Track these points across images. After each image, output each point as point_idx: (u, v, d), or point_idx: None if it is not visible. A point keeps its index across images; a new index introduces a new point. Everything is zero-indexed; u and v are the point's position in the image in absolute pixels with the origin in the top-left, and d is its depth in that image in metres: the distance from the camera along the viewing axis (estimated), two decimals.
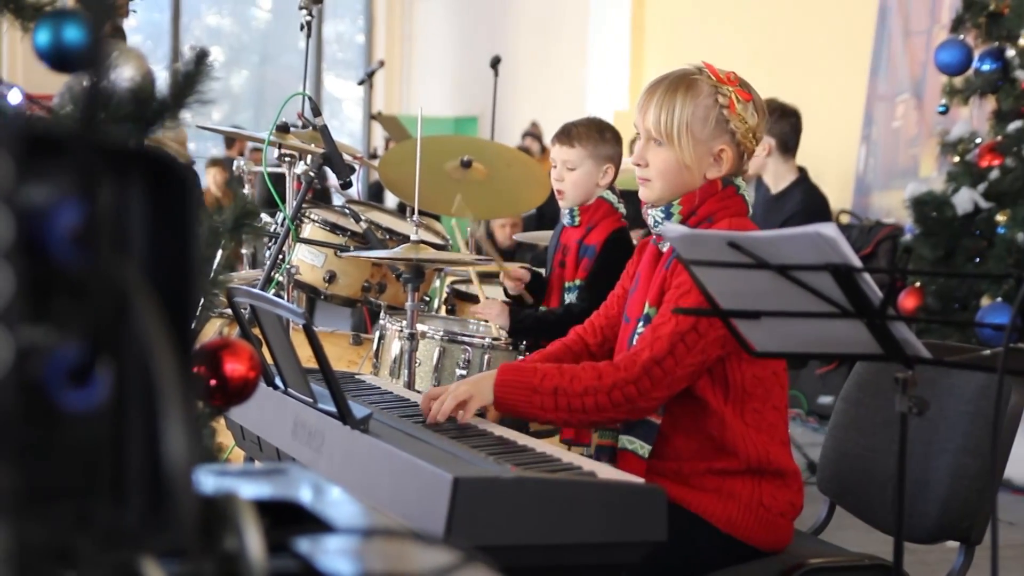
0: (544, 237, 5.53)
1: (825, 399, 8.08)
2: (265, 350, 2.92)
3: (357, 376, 3.56)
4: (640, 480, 2.50)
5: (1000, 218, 6.51)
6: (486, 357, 4.18)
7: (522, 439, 2.79)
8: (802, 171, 6.79)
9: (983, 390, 2.93)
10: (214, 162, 11.93)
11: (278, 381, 2.97)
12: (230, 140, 13.38)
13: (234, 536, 1.02)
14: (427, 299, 5.18)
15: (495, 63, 8.22)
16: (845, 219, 9.31)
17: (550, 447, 2.72)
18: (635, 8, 13.02)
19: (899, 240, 7.80)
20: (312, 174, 4.64)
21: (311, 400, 2.78)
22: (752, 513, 2.90)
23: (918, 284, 6.69)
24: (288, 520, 1.21)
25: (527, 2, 15.14)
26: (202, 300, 2.32)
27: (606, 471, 2.55)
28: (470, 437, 2.76)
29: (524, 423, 3.90)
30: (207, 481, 1.26)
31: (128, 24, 6.55)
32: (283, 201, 4.75)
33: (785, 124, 6.51)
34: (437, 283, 5.26)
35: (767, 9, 11.09)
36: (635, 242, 4.49)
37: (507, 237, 9.78)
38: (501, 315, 4.26)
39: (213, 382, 1.97)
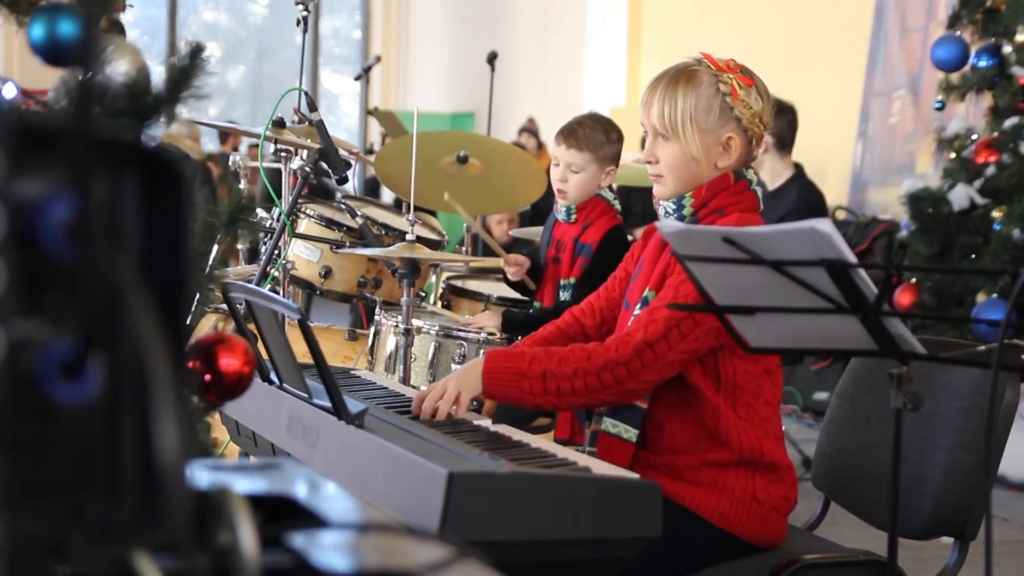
0: (539, 233, 5.53)
1: (820, 395, 8.09)
2: (260, 345, 2.92)
3: (352, 371, 3.56)
4: (635, 476, 2.50)
5: (996, 214, 6.52)
6: (481, 352, 4.17)
7: (517, 435, 2.79)
8: (798, 167, 6.80)
9: (978, 386, 2.93)
10: (209, 157, 11.92)
11: (273, 376, 2.96)
12: (224, 135, 13.38)
13: (227, 531, 1.02)
14: (423, 295, 5.18)
15: (492, 59, 8.22)
16: (841, 215, 9.32)
17: (545, 443, 2.72)
18: (632, 4, 13.02)
19: (895, 236, 7.81)
20: (309, 169, 4.64)
21: (306, 395, 2.78)
22: (746, 507, 2.90)
23: (914, 280, 6.69)
24: (282, 515, 1.21)
25: None
26: (197, 295, 2.32)
27: (601, 467, 2.55)
28: (465, 432, 2.76)
29: (525, 419, 3.90)
30: (201, 476, 1.26)
31: (125, 19, 6.55)
32: (279, 196, 4.75)
33: (781, 121, 6.52)
34: (433, 279, 5.26)
35: (764, 5, 11.09)
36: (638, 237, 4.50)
37: (503, 233, 9.77)
38: (492, 318, 4.27)
39: (208, 377, 1.96)
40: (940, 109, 6.97)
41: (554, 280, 4.46)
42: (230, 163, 5.63)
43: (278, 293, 4.58)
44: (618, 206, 4.46)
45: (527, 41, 14.74)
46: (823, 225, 2.11)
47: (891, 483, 2.37)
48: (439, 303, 5.08)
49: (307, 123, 4.70)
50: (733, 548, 2.91)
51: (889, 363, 2.33)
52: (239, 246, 5.48)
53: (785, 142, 6.68)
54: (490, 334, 4.23)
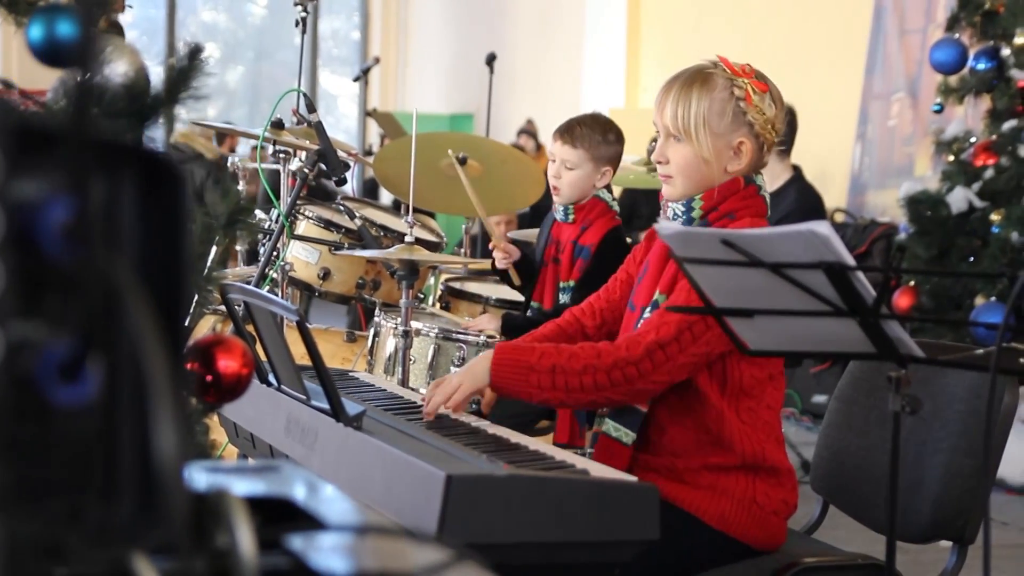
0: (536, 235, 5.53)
1: (819, 398, 8.09)
2: (259, 347, 2.92)
3: (351, 373, 3.56)
4: (633, 478, 2.50)
5: (994, 217, 6.52)
6: (480, 354, 4.18)
7: (515, 437, 2.79)
8: (796, 170, 6.80)
9: (976, 389, 2.93)
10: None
11: (271, 378, 2.96)
12: (221, 136, 13.37)
13: (226, 533, 1.02)
14: (422, 296, 5.18)
15: (491, 60, 8.22)
16: (840, 218, 9.32)
17: (543, 445, 2.72)
18: (631, 6, 13.02)
19: (894, 239, 7.81)
20: (307, 171, 4.64)
21: (304, 397, 2.78)
22: (745, 510, 2.90)
23: (912, 283, 6.69)
24: (280, 517, 1.21)
25: None
26: (196, 296, 2.32)
27: (599, 469, 2.55)
28: (463, 435, 2.76)
29: (526, 422, 3.90)
30: (199, 478, 1.25)
31: (124, 19, 6.55)
32: (278, 198, 4.75)
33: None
34: (432, 280, 5.26)
35: (763, 7, 11.09)
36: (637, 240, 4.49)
37: (501, 234, 9.76)
38: (491, 321, 4.27)
39: (206, 378, 1.96)
40: (939, 112, 6.97)
41: (553, 281, 4.46)
42: (228, 164, 5.63)
43: (277, 295, 4.58)
44: (617, 207, 4.46)
45: (526, 42, 14.74)
46: (821, 228, 2.11)
47: (889, 486, 2.37)
48: (438, 305, 5.08)
49: (306, 124, 4.69)
50: (732, 551, 2.91)
51: (888, 366, 2.32)
52: (238, 247, 5.47)
53: (786, 144, 6.69)
54: (489, 337, 4.23)
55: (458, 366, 4.15)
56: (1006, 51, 6.61)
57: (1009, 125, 6.62)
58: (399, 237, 4.55)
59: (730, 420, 2.89)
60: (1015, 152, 6.58)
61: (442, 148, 5.11)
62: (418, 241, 4.11)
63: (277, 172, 4.89)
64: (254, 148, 4.73)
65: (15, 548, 0.87)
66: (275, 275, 4.67)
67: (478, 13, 16.09)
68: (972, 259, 6.62)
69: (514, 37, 14.87)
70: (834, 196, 9.34)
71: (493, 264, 4.60)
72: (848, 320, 2.24)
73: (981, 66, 6.59)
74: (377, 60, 12.27)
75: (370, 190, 12.36)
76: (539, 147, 12.67)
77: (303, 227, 4.90)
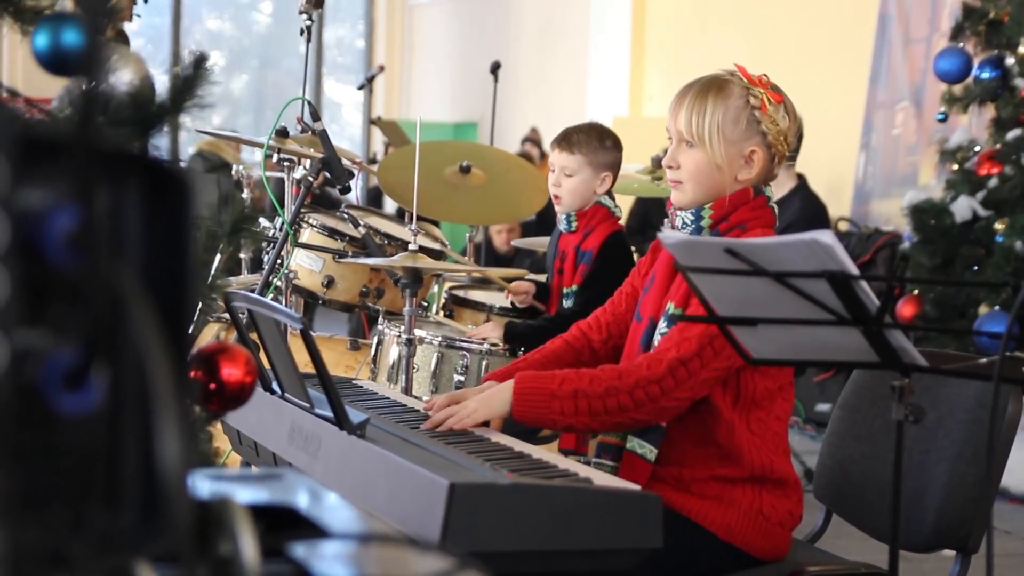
0: (543, 243, 5.54)
1: (823, 406, 8.08)
2: (262, 355, 2.92)
3: (354, 381, 3.56)
4: (636, 487, 2.50)
5: (998, 226, 6.52)
6: (484, 363, 4.19)
7: (519, 445, 2.78)
8: (801, 178, 6.80)
9: (980, 399, 2.93)
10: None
11: (275, 386, 2.96)
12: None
13: (229, 541, 1.02)
14: (425, 304, 5.18)
15: (495, 68, 8.23)
16: (844, 226, 9.32)
17: (547, 453, 2.72)
18: (635, 15, 13.02)
19: (898, 248, 7.81)
20: (312, 179, 4.64)
21: (308, 405, 2.78)
22: (751, 521, 2.89)
23: (916, 292, 6.69)
24: (284, 525, 1.21)
25: (527, 8, 15.15)
26: (199, 304, 2.32)
27: (602, 478, 2.55)
28: (467, 443, 2.76)
29: (530, 430, 3.89)
30: (202, 485, 1.26)
31: (129, 27, 6.56)
32: (282, 206, 4.76)
33: None
34: (435, 288, 5.26)
35: (767, 17, 11.09)
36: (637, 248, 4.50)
37: (504, 242, 9.78)
38: (494, 330, 4.27)
39: (210, 386, 1.96)
40: (943, 121, 6.97)
41: (559, 290, 4.48)
42: (234, 172, 5.63)
43: (280, 303, 4.58)
44: (620, 214, 4.47)
45: (530, 51, 14.74)
46: (825, 237, 2.11)
47: (892, 495, 2.37)
48: (441, 313, 5.09)
49: (310, 132, 4.70)
50: (737, 561, 2.91)
51: (891, 375, 2.32)
52: (242, 255, 5.48)
53: (792, 153, 6.68)
54: (493, 345, 4.23)
55: (461, 374, 4.15)
56: (1010, 60, 6.61)
57: (1013, 134, 6.62)
58: (403, 245, 4.56)
59: (740, 432, 2.89)
60: (1019, 161, 6.58)
61: (446, 157, 5.12)
62: (422, 249, 4.11)
63: (281, 180, 4.90)
64: (268, 157, 4.73)
65: (19, 556, 0.87)
66: (279, 283, 4.67)
67: (482, 22, 16.10)
68: (976, 268, 6.62)
69: (518, 45, 14.88)
70: (838, 205, 9.33)
71: (514, 305, 4.63)
72: (851, 329, 2.24)
73: (985, 75, 6.59)
74: (382, 68, 12.28)
75: (374, 198, 12.36)
76: (543, 155, 12.67)
77: (307, 235, 4.90)
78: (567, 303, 4.39)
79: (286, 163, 4.79)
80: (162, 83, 2.15)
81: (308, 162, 4.67)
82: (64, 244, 0.90)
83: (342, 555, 1.17)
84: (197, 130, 4.74)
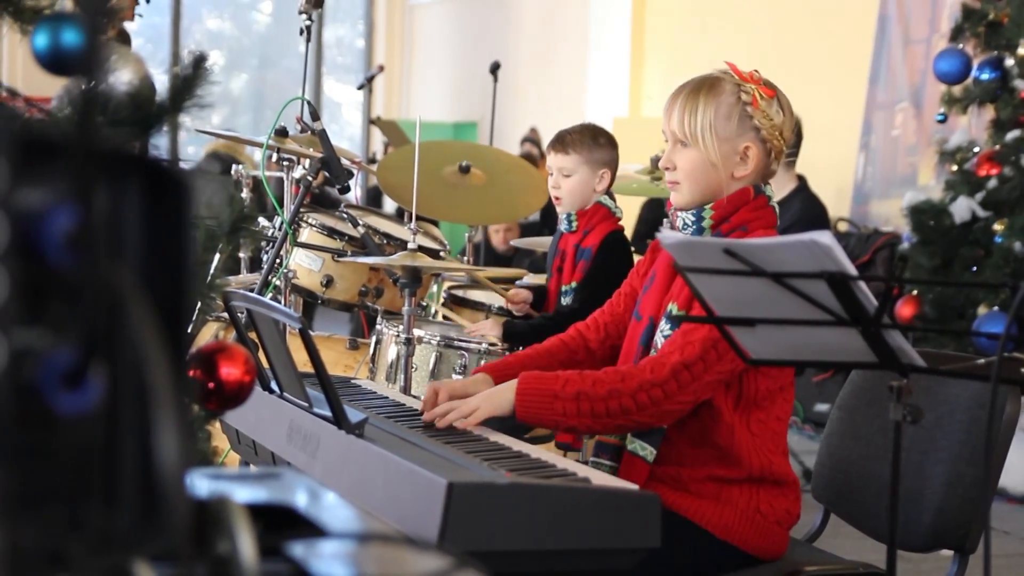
0: (542, 243, 5.54)
1: (821, 407, 8.08)
2: (261, 354, 2.92)
3: (353, 381, 3.56)
4: (634, 487, 2.50)
5: (998, 227, 6.52)
6: (482, 362, 4.18)
7: (517, 445, 2.79)
8: (801, 179, 6.80)
9: (978, 399, 2.93)
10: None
11: (274, 385, 2.97)
12: None
13: (227, 540, 1.02)
14: (424, 304, 5.18)
15: (495, 69, 8.23)
16: (843, 227, 9.32)
17: (545, 453, 2.72)
18: (635, 16, 13.02)
19: (897, 248, 7.81)
20: (311, 178, 4.64)
21: (307, 404, 2.78)
22: (749, 520, 2.90)
23: (915, 292, 6.69)
24: (282, 524, 1.22)
25: (527, 8, 15.15)
26: (198, 304, 2.32)
27: (600, 477, 2.55)
28: (465, 442, 2.76)
29: (521, 426, 3.90)
30: (201, 485, 1.26)
31: (129, 27, 6.56)
32: (281, 205, 4.76)
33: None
34: (434, 288, 5.27)
35: (767, 18, 11.09)
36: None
37: (502, 242, 9.77)
38: (493, 328, 4.27)
39: (209, 386, 1.97)
40: (942, 122, 6.98)
41: (557, 289, 4.49)
42: (233, 172, 5.63)
43: (279, 302, 4.58)
44: (620, 214, 4.48)
45: (530, 51, 14.74)
46: (823, 237, 2.11)
47: (890, 495, 2.37)
48: (440, 313, 5.09)
49: (310, 132, 4.70)
50: (735, 560, 2.91)
51: (889, 376, 2.33)
52: (241, 255, 5.48)
53: (792, 154, 6.69)
54: (491, 344, 4.24)
55: (460, 374, 4.15)
56: (1010, 61, 6.61)
57: (1013, 135, 6.62)
58: (402, 245, 4.56)
59: (741, 434, 2.89)
60: (1018, 162, 6.58)
61: (446, 156, 5.12)
62: (421, 249, 4.12)
63: (281, 180, 4.90)
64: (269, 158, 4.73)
65: (17, 555, 0.88)
66: (278, 282, 4.68)
67: (482, 22, 16.10)
68: (975, 269, 6.62)
69: (518, 46, 14.87)
70: (837, 205, 9.33)
71: (511, 314, 4.65)
72: (850, 329, 2.25)
73: (985, 76, 6.60)
74: (381, 68, 12.29)
75: (373, 198, 12.35)
76: (542, 156, 12.67)
77: (306, 235, 4.90)
78: (565, 300, 4.40)
79: (285, 163, 4.79)
80: (162, 83, 2.15)
81: (307, 162, 4.68)
82: (63, 244, 0.91)
83: (340, 554, 1.18)
84: (196, 130, 4.73)
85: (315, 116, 4.63)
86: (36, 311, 0.90)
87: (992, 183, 6.63)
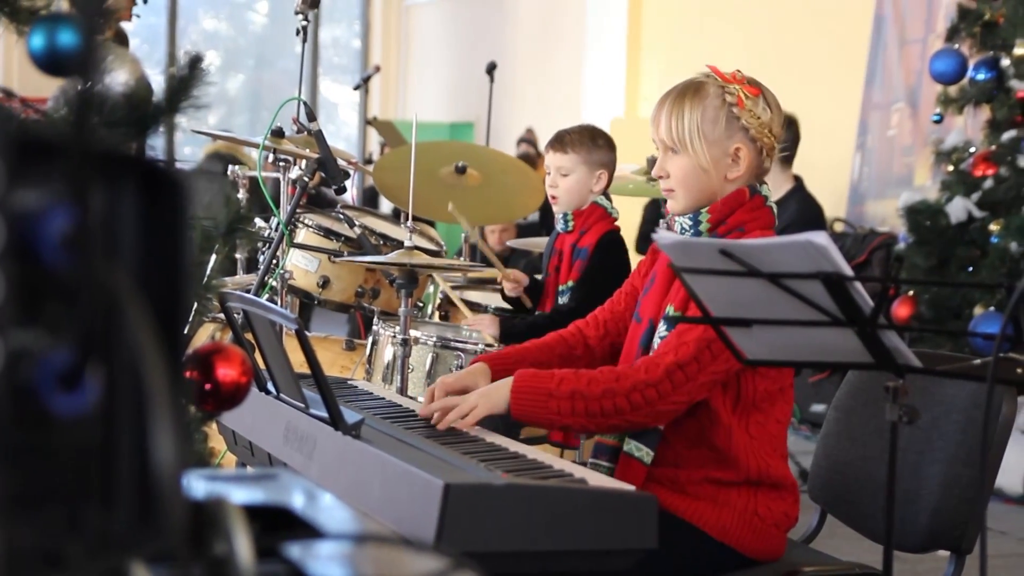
0: (537, 243, 5.54)
1: (818, 407, 8.09)
2: (258, 355, 2.92)
3: (350, 382, 3.57)
4: (631, 488, 2.50)
5: (993, 227, 6.53)
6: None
7: (513, 446, 2.79)
8: (798, 180, 6.81)
9: (975, 399, 2.93)
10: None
11: (270, 386, 2.97)
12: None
13: (223, 541, 1.02)
14: (420, 305, 5.18)
15: (491, 69, 8.24)
16: (839, 227, 9.32)
17: (541, 454, 2.72)
18: (631, 16, 13.03)
19: (893, 248, 7.81)
20: (307, 179, 4.64)
21: (303, 405, 2.78)
22: (746, 522, 2.90)
23: (911, 293, 6.70)
24: (278, 525, 1.22)
25: (523, 8, 15.15)
26: (195, 305, 2.32)
27: (597, 478, 2.56)
28: (461, 443, 2.76)
29: (513, 427, 3.90)
30: (197, 486, 1.26)
31: (126, 27, 6.56)
32: (277, 206, 4.76)
33: (787, 133, 6.51)
34: (431, 289, 5.27)
35: (763, 18, 11.10)
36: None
37: (498, 242, 9.77)
38: (492, 325, 4.27)
39: (205, 387, 1.97)
40: (938, 122, 6.98)
41: (555, 289, 4.49)
42: (229, 173, 5.63)
43: (276, 303, 4.58)
44: (616, 214, 4.49)
45: (526, 52, 14.74)
46: (819, 238, 2.11)
47: (887, 496, 2.37)
48: (436, 314, 5.09)
49: (306, 133, 4.70)
50: (732, 562, 2.91)
51: (885, 376, 2.33)
52: (237, 255, 5.48)
53: (788, 155, 6.70)
54: (488, 345, 4.24)
55: None
56: (1006, 61, 6.61)
57: (1008, 135, 6.62)
58: (399, 245, 4.56)
59: (738, 437, 2.89)
60: (1014, 162, 6.59)
61: (442, 157, 5.12)
62: (417, 249, 4.12)
63: (277, 180, 4.90)
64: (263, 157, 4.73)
65: (14, 556, 0.88)
66: (274, 283, 4.67)
67: (479, 22, 16.10)
68: (971, 269, 6.62)
69: (514, 46, 14.88)
70: (833, 206, 9.33)
71: (503, 293, 4.64)
72: (846, 330, 2.25)
73: (981, 76, 6.60)
74: (378, 68, 12.27)
75: (370, 199, 12.35)
76: (539, 155, 12.67)
77: (303, 235, 4.90)
78: (562, 299, 4.41)
79: (282, 163, 4.79)
80: (158, 83, 2.15)
81: (304, 162, 4.67)
82: (59, 244, 0.91)
83: (337, 555, 1.18)
84: (192, 130, 4.73)
85: (311, 116, 4.63)
86: (32, 312, 0.90)
87: (988, 183, 6.64)
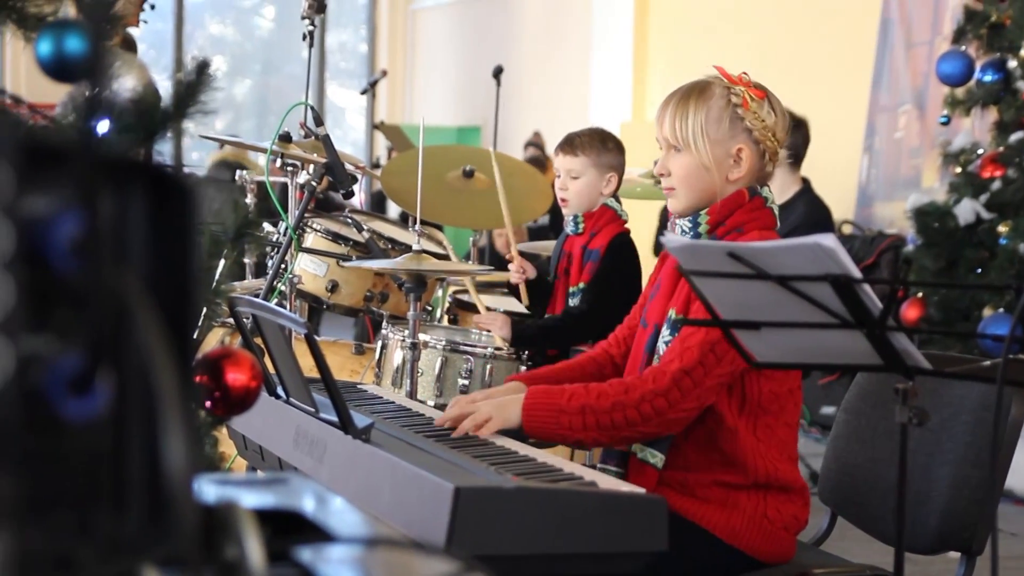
0: (545, 247, 5.54)
1: (827, 409, 8.07)
2: (267, 359, 2.93)
3: (359, 386, 3.57)
4: (641, 490, 2.50)
5: (1002, 229, 6.52)
6: (488, 367, 4.19)
7: (523, 449, 2.79)
8: (806, 182, 6.80)
9: (984, 401, 2.93)
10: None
11: (280, 390, 2.97)
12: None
13: (235, 545, 1.02)
14: (429, 309, 5.18)
15: (497, 73, 8.23)
16: (847, 229, 9.31)
17: (551, 457, 2.72)
18: (637, 19, 13.02)
19: (901, 250, 7.80)
20: (315, 183, 4.64)
21: (313, 409, 2.79)
22: (755, 525, 2.90)
23: (920, 295, 6.69)
24: (289, 529, 1.22)
25: (530, 12, 15.15)
26: (204, 310, 2.33)
27: (607, 481, 2.55)
28: (471, 447, 2.76)
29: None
30: (208, 490, 1.26)
31: (133, 32, 6.57)
32: (285, 210, 4.76)
33: (797, 136, 6.51)
34: (439, 293, 5.27)
35: (769, 21, 11.09)
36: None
37: (504, 246, 9.77)
38: (504, 326, 4.27)
39: (215, 391, 1.97)
40: (946, 124, 6.97)
41: (564, 293, 4.49)
42: (237, 178, 5.63)
43: (285, 307, 4.58)
44: (626, 216, 4.49)
45: (533, 55, 14.74)
46: (827, 240, 2.11)
47: (897, 497, 2.37)
48: (446, 318, 5.09)
49: (313, 137, 4.70)
50: (741, 564, 2.91)
51: (895, 378, 2.33)
52: (246, 260, 5.48)
53: (798, 157, 6.70)
54: (496, 348, 4.24)
55: (465, 379, 4.15)
56: (1013, 63, 6.60)
57: (1016, 137, 6.61)
58: (407, 249, 4.56)
59: (745, 440, 2.89)
60: (1022, 164, 6.58)
61: (449, 161, 5.12)
62: (425, 253, 4.12)
63: (285, 185, 4.90)
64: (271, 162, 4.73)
65: (25, 560, 0.88)
66: (283, 288, 4.68)
67: (485, 26, 16.11)
68: (980, 271, 6.61)
69: (521, 50, 14.88)
70: (841, 208, 9.32)
71: (507, 284, 4.64)
72: (855, 332, 2.25)
73: (988, 78, 6.59)
74: (384, 73, 12.30)
75: (378, 203, 12.36)
76: (546, 159, 12.67)
77: (311, 240, 4.91)
78: (573, 302, 4.40)
79: (289, 168, 4.79)
80: (165, 89, 2.16)
81: (311, 167, 4.68)
82: (68, 250, 0.91)
83: (348, 559, 1.18)
84: (200, 136, 4.73)
85: (319, 121, 4.63)
86: (42, 318, 0.90)
87: (996, 185, 6.62)
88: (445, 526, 2.20)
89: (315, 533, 1.21)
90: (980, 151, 6.79)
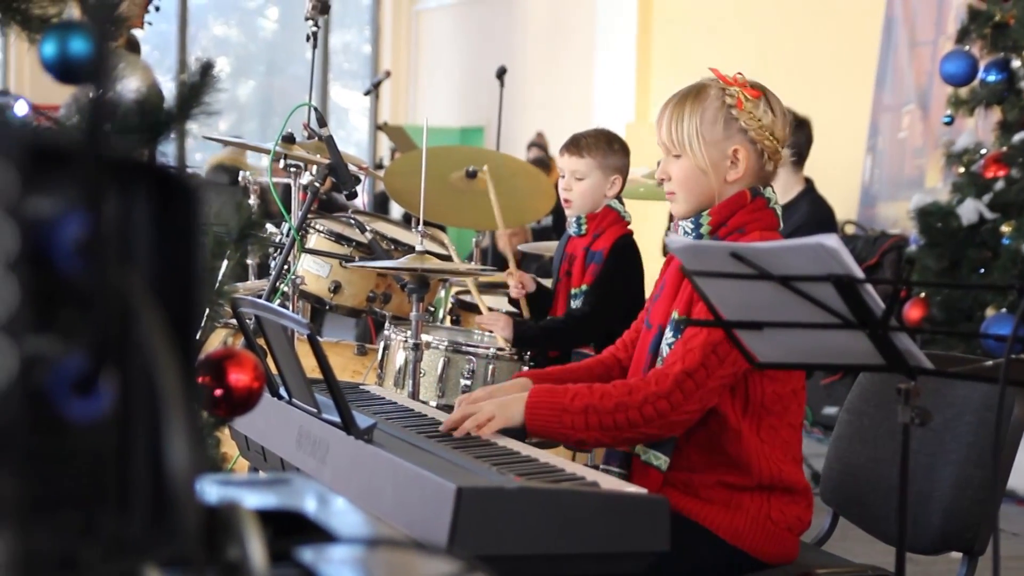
0: (548, 247, 5.54)
1: (830, 410, 8.07)
2: (270, 360, 2.93)
3: (361, 386, 3.57)
4: (643, 490, 2.50)
5: (1005, 229, 6.51)
6: (490, 367, 4.19)
7: (526, 449, 2.79)
8: (808, 182, 6.80)
9: (987, 401, 2.93)
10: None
11: (283, 391, 2.97)
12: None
13: (237, 546, 1.03)
14: (432, 309, 5.18)
15: (501, 73, 8.23)
16: (851, 229, 9.31)
17: (553, 457, 2.72)
18: (641, 20, 13.02)
19: (904, 251, 7.80)
20: (318, 184, 4.65)
21: (315, 410, 2.79)
22: (759, 526, 2.90)
23: (923, 295, 6.69)
24: (292, 530, 1.22)
25: (533, 13, 15.15)
26: (207, 310, 2.33)
27: (609, 481, 2.56)
28: (474, 447, 2.77)
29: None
30: (211, 491, 1.26)
31: (137, 33, 6.57)
32: (288, 211, 4.76)
33: (800, 135, 6.52)
34: (442, 293, 5.27)
35: (773, 21, 11.09)
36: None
37: (505, 246, 9.75)
38: (506, 327, 4.27)
39: (218, 392, 1.97)
40: (949, 124, 6.97)
41: (566, 294, 4.49)
42: (240, 179, 5.64)
43: (287, 308, 4.59)
44: (629, 218, 4.49)
45: (536, 56, 14.74)
46: (830, 241, 2.11)
47: (899, 497, 2.37)
48: (448, 318, 5.09)
49: (317, 138, 4.71)
50: (744, 565, 2.91)
51: (897, 378, 2.33)
52: (249, 261, 5.48)
53: (801, 157, 6.70)
54: (499, 349, 4.24)
55: (468, 379, 4.15)
56: (1016, 63, 6.60)
57: (1019, 137, 6.61)
58: (410, 250, 4.56)
59: (748, 441, 2.89)
60: None
61: (453, 162, 5.12)
62: (428, 254, 4.12)
63: (288, 186, 4.90)
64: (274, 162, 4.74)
65: (28, 560, 0.88)
66: (286, 288, 4.68)
67: (489, 26, 16.11)
68: (983, 271, 6.61)
69: (524, 50, 14.88)
70: (844, 208, 9.32)
71: (509, 298, 4.65)
72: (857, 332, 2.25)
73: (991, 78, 6.59)
74: (388, 74, 12.30)
75: (381, 204, 12.37)
76: (550, 159, 12.67)
77: (314, 240, 4.91)
78: (575, 303, 4.40)
79: (292, 169, 4.79)
80: (169, 90, 2.16)
81: (315, 168, 4.68)
82: (73, 251, 0.91)
83: (350, 559, 1.18)
84: (204, 137, 4.73)
85: (322, 122, 4.64)
86: (47, 318, 0.90)
87: (999, 185, 6.62)
88: (447, 526, 2.21)
89: (317, 533, 1.21)
90: (983, 151, 6.78)
